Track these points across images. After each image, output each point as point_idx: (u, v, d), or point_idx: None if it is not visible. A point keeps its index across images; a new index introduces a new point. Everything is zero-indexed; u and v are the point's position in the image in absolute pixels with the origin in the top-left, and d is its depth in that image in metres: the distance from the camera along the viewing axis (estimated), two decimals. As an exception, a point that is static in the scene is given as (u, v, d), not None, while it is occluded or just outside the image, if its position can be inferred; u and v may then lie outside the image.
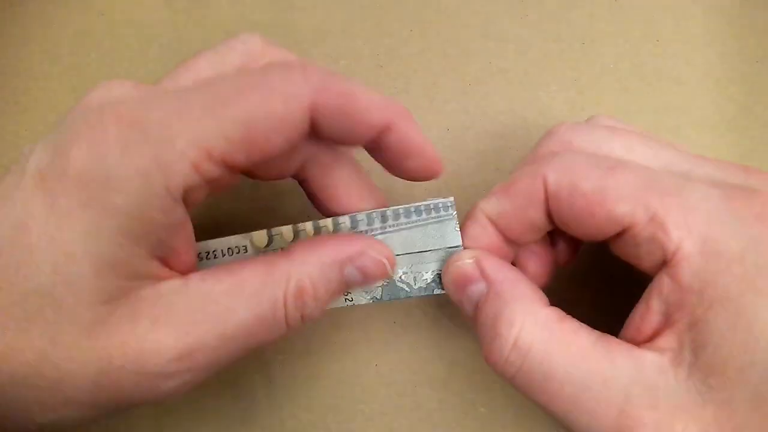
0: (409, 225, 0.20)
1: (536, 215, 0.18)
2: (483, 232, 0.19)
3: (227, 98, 0.15)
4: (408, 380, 0.24)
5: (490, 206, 0.19)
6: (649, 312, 0.17)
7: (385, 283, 0.21)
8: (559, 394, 0.16)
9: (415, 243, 0.20)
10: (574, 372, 0.16)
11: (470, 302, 0.19)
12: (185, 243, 0.17)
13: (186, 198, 0.15)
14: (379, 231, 0.20)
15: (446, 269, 0.20)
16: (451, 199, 0.20)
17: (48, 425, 0.15)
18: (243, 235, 0.20)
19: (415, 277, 0.21)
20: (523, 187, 0.18)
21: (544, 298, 0.18)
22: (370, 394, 0.24)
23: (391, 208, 0.20)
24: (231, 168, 0.15)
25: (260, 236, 0.20)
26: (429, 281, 0.21)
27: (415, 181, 0.19)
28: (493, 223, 0.19)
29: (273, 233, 0.20)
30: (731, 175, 0.18)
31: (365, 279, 0.19)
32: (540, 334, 0.17)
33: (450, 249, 0.20)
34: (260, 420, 0.24)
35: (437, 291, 0.21)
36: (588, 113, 0.27)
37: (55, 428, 0.16)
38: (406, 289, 0.21)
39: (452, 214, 0.20)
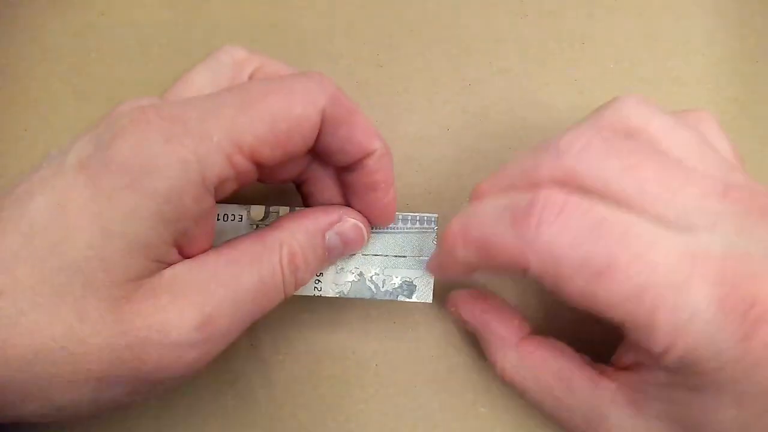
0: (392, 230, 0.22)
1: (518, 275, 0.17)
2: (460, 269, 0.19)
3: (254, 99, 0.17)
4: (408, 380, 0.24)
5: (465, 257, 0.18)
6: (625, 347, 0.19)
7: (355, 280, 0.22)
8: (539, 408, 0.20)
9: (394, 247, 0.22)
10: (543, 398, 0.19)
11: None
12: (206, 234, 0.18)
13: (216, 189, 0.17)
14: None
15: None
16: (436, 215, 0.22)
17: (67, 406, 0.16)
18: (241, 206, 0.22)
19: (384, 279, 0.22)
20: (502, 262, 0.17)
21: (519, 328, 0.21)
22: (370, 394, 0.24)
23: None
24: (257, 163, 0.17)
25: (258, 210, 0.22)
26: (396, 286, 0.22)
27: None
28: (470, 268, 0.18)
29: (270, 210, 0.22)
30: (751, 232, 0.15)
31: (345, 245, 0.21)
32: (513, 370, 0.20)
33: (424, 258, 0.22)
34: (260, 420, 0.24)
35: (401, 298, 0.22)
36: (587, 113, 0.27)
37: (73, 411, 0.16)
38: (373, 289, 0.22)
39: (434, 228, 0.22)
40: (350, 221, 0.20)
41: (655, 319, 0.15)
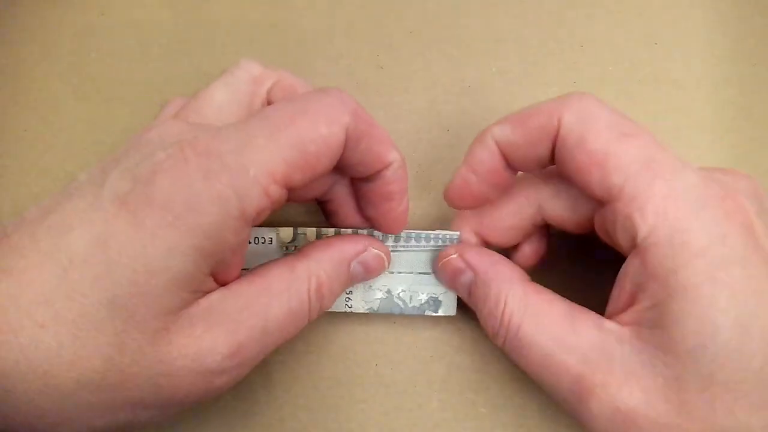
0: (417, 248, 0.23)
1: (543, 152, 0.19)
2: (489, 157, 0.20)
3: (282, 126, 0.17)
4: (408, 380, 0.24)
5: (501, 133, 0.20)
6: (620, 289, 0.18)
7: (384, 297, 0.23)
8: (531, 359, 0.19)
9: (419, 264, 0.23)
10: (541, 339, 0.19)
11: (464, 289, 0.22)
12: (240, 259, 0.18)
13: (253, 219, 0.17)
14: (390, 248, 0.23)
15: (439, 266, 0.22)
16: (458, 233, 0.23)
17: (101, 428, 0.16)
18: (271, 228, 0.23)
19: (411, 296, 0.23)
20: (538, 123, 0.19)
21: (524, 276, 0.21)
22: (370, 394, 0.24)
23: (405, 231, 0.23)
24: (290, 188, 0.17)
25: (287, 232, 0.23)
26: (423, 302, 0.23)
27: (378, 230, 0.22)
28: (501, 149, 0.20)
29: (299, 232, 0.23)
30: (711, 172, 0.19)
31: (367, 272, 0.22)
32: (518, 306, 0.19)
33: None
34: (260, 420, 0.24)
35: (428, 312, 0.23)
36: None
37: (104, 431, 0.17)
38: (401, 305, 0.24)
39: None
40: (373, 252, 0.21)
41: (652, 186, 0.17)
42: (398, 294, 0.23)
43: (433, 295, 0.23)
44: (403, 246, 0.23)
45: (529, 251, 0.23)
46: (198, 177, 0.16)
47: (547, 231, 0.23)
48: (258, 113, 0.18)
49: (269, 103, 0.22)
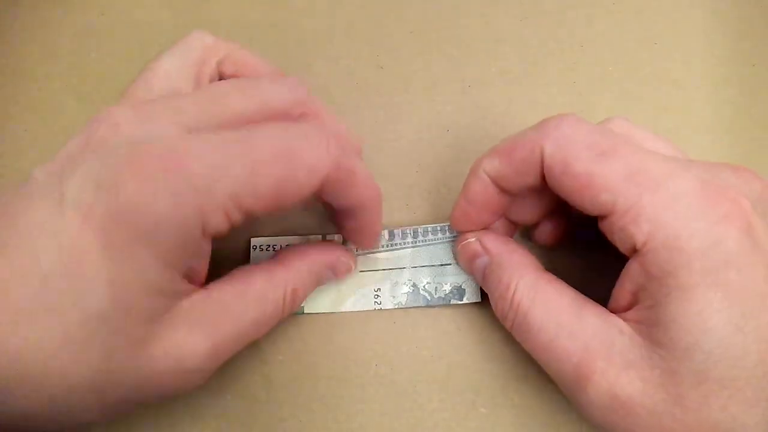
0: (435, 241, 0.25)
1: (533, 179, 0.20)
2: (483, 188, 0.21)
3: (260, 161, 0.17)
4: (408, 380, 0.24)
5: (491, 166, 0.21)
6: (622, 289, 0.19)
7: (410, 291, 0.24)
8: (536, 342, 0.20)
9: (440, 256, 0.24)
10: (547, 324, 0.19)
11: (479, 272, 0.23)
12: (205, 265, 0.19)
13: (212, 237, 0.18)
14: (410, 244, 0.25)
15: (457, 249, 0.24)
16: None
17: (89, 421, 0.17)
18: (301, 237, 0.25)
19: (436, 287, 0.24)
20: (522, 156, 0.20)
21: (538, 265, 0.21)
22: (370, 394, 0.24)
23: (422, 225, 0.25)
24: (250, 216, 0.18)
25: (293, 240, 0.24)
26: (447, 292, 0.24)
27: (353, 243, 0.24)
28: (492, 180, 0.21)
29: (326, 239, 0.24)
30: (719, 172, 0.19)
31: (335, 276, 0.23)
32: (527, 292, 0.20)
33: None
34: (260, 420, 0.24)
35: (453, 301, 0.24)
36: (587, 115, 0.27)
37: (91, 422, 0.17)
38: (428, 297, 0.24)
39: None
40: (344, 261, 0.23)
41: (641, 199, 0.17)
42: (423, 287, 0.24)
43: (457, 284, 0.24)
44: (422, 240, 0.24)
45: (549, 228, 0.24)
46: (165, 196, 0.16)
47: (567, 210, 0.23)
48: (239, 132, 0.17)
49: (220, 76, 0.23)
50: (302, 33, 0.28)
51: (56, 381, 0.16)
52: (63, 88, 0.28)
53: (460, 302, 0.24)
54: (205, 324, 0.18)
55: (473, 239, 0.23)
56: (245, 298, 0.19)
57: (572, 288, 0.20)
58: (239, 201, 0.17)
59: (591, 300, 0.20)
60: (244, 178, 0.17)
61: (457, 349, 0.24)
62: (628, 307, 0.19)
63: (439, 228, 0.24)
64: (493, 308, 0.22)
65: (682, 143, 0.27)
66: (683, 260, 0.17)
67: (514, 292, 0.20)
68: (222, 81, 0.22)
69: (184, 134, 0.17)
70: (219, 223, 0.17)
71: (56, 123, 0.27)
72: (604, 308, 0.19)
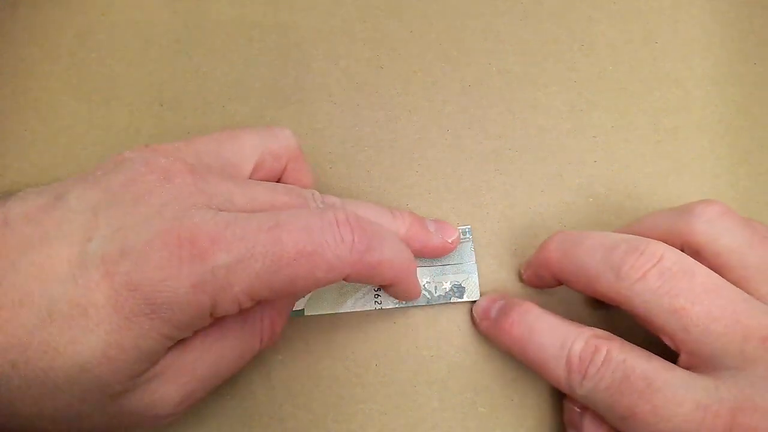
0: None
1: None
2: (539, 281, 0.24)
3: (286, 261, 0.17)
4: (408, 380, 0.24)
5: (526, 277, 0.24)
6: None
7: None
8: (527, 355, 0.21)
9: (439, 258, 0.25)
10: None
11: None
12: (281, 323, 0.21)
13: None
14: None
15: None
16: (470, 226, 0.25)
17: None
18: None
19: (435, 286, 0.24)
20: (598, 291, 0.21)
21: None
22: (370, 394, 0.24)
23: None
24: (259, 300, 0.18)
25: None
26: (447, 290, 0.24)
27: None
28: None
29: None
30: None
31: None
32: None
33: (467, 264, 0.25)
34: (260, 420, 0.24)
35: (453, 299, 0.24)
36: (587, 115, 0.27)
37: None
38: (428, 296, 0.24)
39: (469, 237, 0.25)
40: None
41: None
42: (423, 286, 0.24)
43: (456, 283, 0.24)
44: None
45: None
46: (186, 282, 0.16)
47: None
48: (268, 218, 0.18)
49: (279, 178, 0.23)
50: (302, 33, 0.28)
51: (34, 410, 0.16)
52: (63, 88, 0.28)
53: (460, 300, 0.24)
54: (178, 376, 0.18)
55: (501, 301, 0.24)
56: (220, 343, 0.19)
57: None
58: (254, 294, 0.17)
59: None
60: (264, 275, 0.17)
61: (457, 349, 0.24)
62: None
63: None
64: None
65: (683, 143, 0.27)
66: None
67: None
68: (279, 184, 0.22)
69: (218, 218, 0.17)
70: (229, 309, 0.17)
71: (56, 123, 0.27)
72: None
